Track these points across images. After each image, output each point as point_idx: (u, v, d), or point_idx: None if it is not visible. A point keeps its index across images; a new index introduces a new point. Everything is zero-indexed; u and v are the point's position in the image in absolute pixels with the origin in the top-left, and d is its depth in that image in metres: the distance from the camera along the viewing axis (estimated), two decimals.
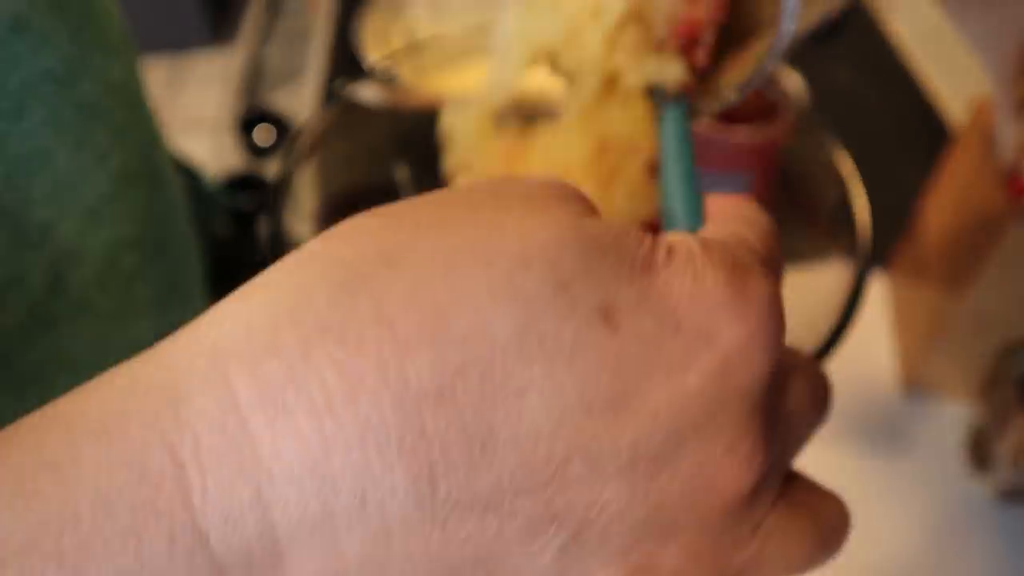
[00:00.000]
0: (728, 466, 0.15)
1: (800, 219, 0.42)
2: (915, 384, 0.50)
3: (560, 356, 0.13)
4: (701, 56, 0.20)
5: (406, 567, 0.14)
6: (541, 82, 0.53)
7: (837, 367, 0.30)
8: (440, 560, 0.14)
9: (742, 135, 0.45)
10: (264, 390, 0.13)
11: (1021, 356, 0.45)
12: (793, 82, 0.50)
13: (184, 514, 0.13)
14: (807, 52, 0.77)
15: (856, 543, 0.45)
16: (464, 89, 0.50)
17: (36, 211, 0.34)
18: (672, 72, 0.22)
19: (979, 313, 0.44)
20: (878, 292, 0.55)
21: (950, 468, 0.47)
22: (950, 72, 0.72)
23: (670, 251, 0.15)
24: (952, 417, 0.49)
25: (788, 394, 0.17)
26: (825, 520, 0.19)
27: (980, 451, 0.46)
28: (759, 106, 0.44)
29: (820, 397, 0.18)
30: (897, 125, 0.70)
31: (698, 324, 0.14)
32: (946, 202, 0.48)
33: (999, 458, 0.44)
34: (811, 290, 0.39)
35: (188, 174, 0.54)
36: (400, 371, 0.13)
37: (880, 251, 0.52)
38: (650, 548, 0.15)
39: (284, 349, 0.13)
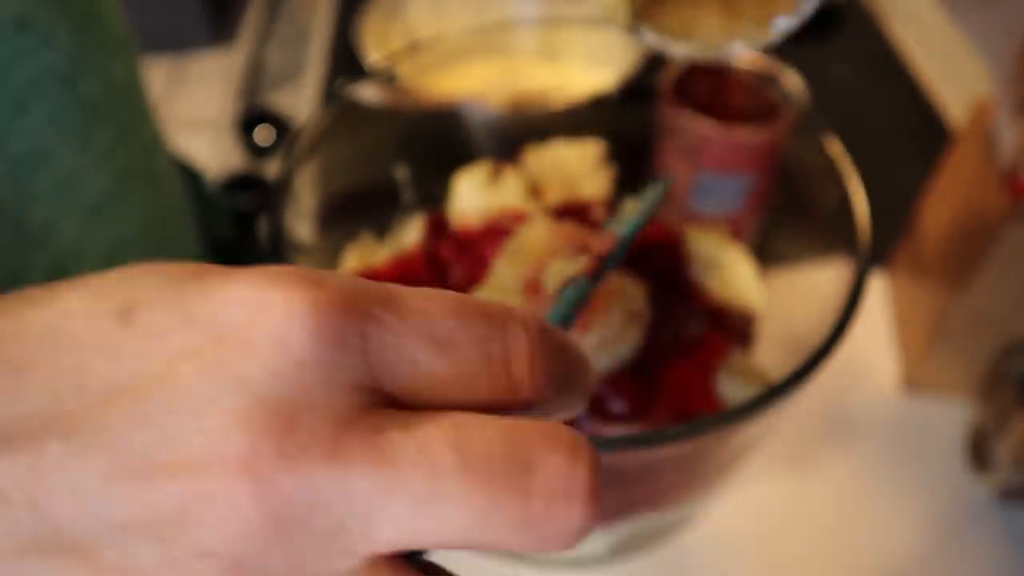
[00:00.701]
0: (228, 469, 0.13)
1: (800, 219, 0.42)
2: (915, 383, 0.50)
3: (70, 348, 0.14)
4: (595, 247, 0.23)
5: None
6: (542, 77, 0.53)
7: (836, 366, 0.31)
8: None
9: (742, 135, 0.45)
10: None
11: (1021, 356, 0.45)
12: (793, 82, 0.50)
13: None
14: (807, 52, 0.77)
15: (856, 542, 0.46)
16: (464, 89, 0.50)
17: (38, 209, 0.34)
18: (571, 269, 0.26)
19: (979, 312, 0.44)
20: (878, 291, 0.56)
21: (950, 468, 0.47)
22: (950, 72, 0.72)
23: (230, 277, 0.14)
24: (952, 417, 0.49)
25: (372, 347, 0.14)
26: None
27: (980, 451, 0.46)
28: (759, 106, 0.44)
29: (445, 316, 0.15)
30: (897, 125, 0.70)
31: (204, 306, 0.14)
32: (946, 202, 0.48)
33: (999, 458, 0.44)
34: (811, 290, 0.39)
35: (188, 175, 0.54)
36: None
37: (880, 251, 0.52)
38: (149, 557, 0.13)
39: None
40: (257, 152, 0.69)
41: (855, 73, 0.76)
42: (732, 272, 0.42)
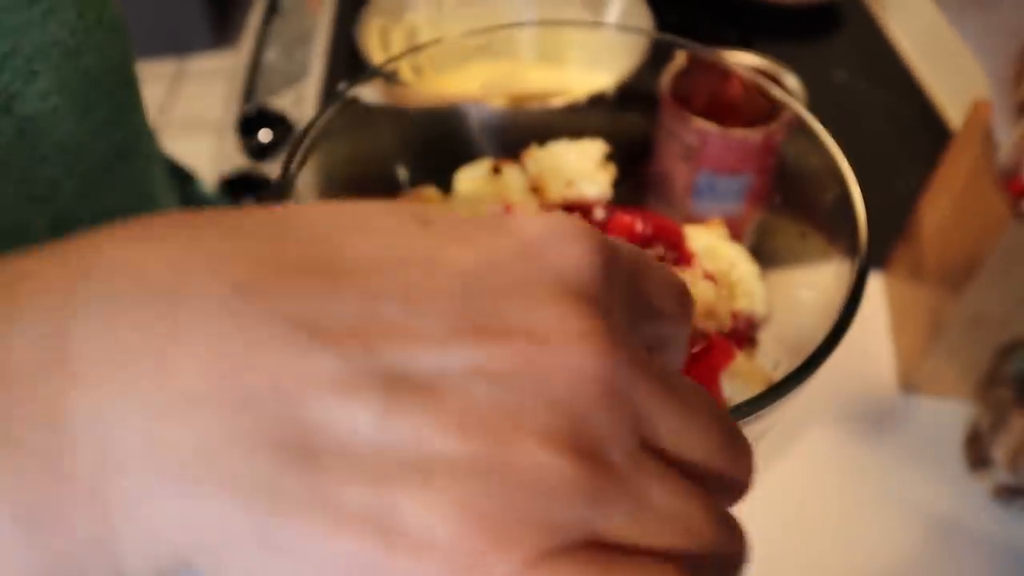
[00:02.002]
0: (564, 339, 0.14)
1: (799, 219, 0.42)
2: (913, 384, 0.50)
3: (382, 234, 0.15)
4: None
5: None
6: (542, 79, 0.53)
7: (836, 366, 0.31)
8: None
9: (741, 136, 0.45)
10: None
11: (1019, 356, 0.45)
12: (792, 82, 0.51)
13: None
14: (806, 52, 0.77)
15: (854, 542, 0.46)
16: (465, 90, 0.50)
17: (45, 168, 0.37)
18: None
19: (977, 313, 0.44)
20: (876, 292, 0.56)
21: (948, 467, 0.47)
22: (949, 72, 0.72)
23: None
24: (950, 417, 0.49)
25: (631, 290, 0.16)
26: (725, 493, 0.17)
27: (978, 450, 0.46)
28: (758, 107, 0.44)
29: (674, 293, 0.18)
30: (896, 125, 0.70)
31: (501, 224, 0.16)
32: (944, 202, 0.48)
33: (997, 457, 0.44)
34: (810, 290, 0.39)
35: (181, 177, 0.54)
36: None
37: (878, 251, 0.52)
38: (505, 425, 0.14)
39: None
40: (258, 153, 0.69)
41: (854, 73, 0.76)
42: (733, 272, 0.43)
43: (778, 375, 0.39)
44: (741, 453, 0.17)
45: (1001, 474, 0.44)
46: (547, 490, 0.13)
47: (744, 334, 0.41)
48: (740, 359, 0.38)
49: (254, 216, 0.15)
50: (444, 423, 0.13)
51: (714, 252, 0.43)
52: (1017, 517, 0.45)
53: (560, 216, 0.16)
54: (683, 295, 0.18)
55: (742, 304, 0.42)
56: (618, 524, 0.14)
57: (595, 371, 0.14)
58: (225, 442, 0.13)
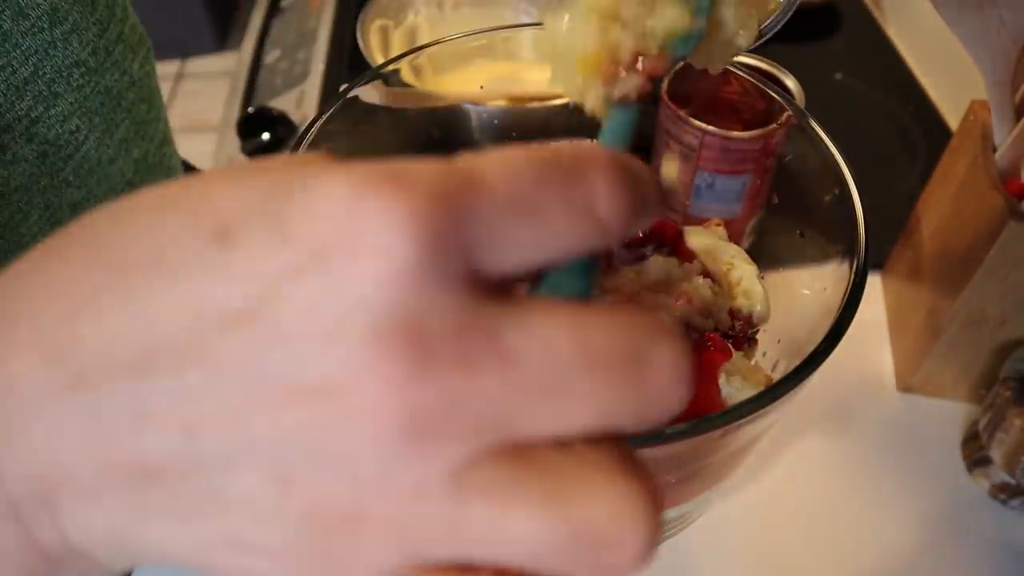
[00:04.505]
0: (366, 384, 0.13)
1: (798, 219, 0.42)
2: (911, 384, 0.50)
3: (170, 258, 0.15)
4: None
5: None
6: (542, 79, 0.53)
7: (834, 367, 0.31)
8: None
9: (740, 136, 0.46)
10: None
11: (1016, 356, 0.45)
12: (791, 83, 0.51)
13: None
14: (806, 52, 0.77)
15: (853, 542, 0.46)
16: (465, 91, 0.50)
17: (68, 191, 0.37)
18: (622, 89, 0.23)
19: (975, 313, 0.45)
20: (875, 292, 0.56)
21: (947, 468, 0.47)
22: (947, 73, 0.72)
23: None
24: (949, 417, 0.49)
25: (495, 230, 0.14)
26: (595, 506, 0.14)
27: (976, 450, 0.46)
28: (757, 107, 0.45)
29: (577, 209, 0.15)
30: (895, 126, 0.71)
31: (293, 226, 0.14)
32: (942, 203, 0.48)
33: (995, 457, 0.44)
34: (809, 290, 0.39)
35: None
36: None
37: (877, 251, 0.52)
38: (304, 473, 0.14)
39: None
40: (259, 153, 0.70)
41: (853, 74, 0.76)
42: (732, 272, 0.43)
43: (777, 375, 0.39)
44: (644, 389, 0.14)
45: (999, 474, 0.44)
46: (354, 536, 0.14)
47: (743, 334, 0.42)
48: (739, 359, 0.38)
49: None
50: (261, 496, 0.14)
51: (713, 252, 0.43)
52: (1015, 516, 0.45)
53: (363, 199, 0.14)
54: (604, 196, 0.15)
55: (741, 304, 0.42)
56: (436, 550, 0.14)
57: (394, 416, 0.13)
58: None
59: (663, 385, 0.15)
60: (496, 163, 0.15)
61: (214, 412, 0.14)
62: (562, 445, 0.14)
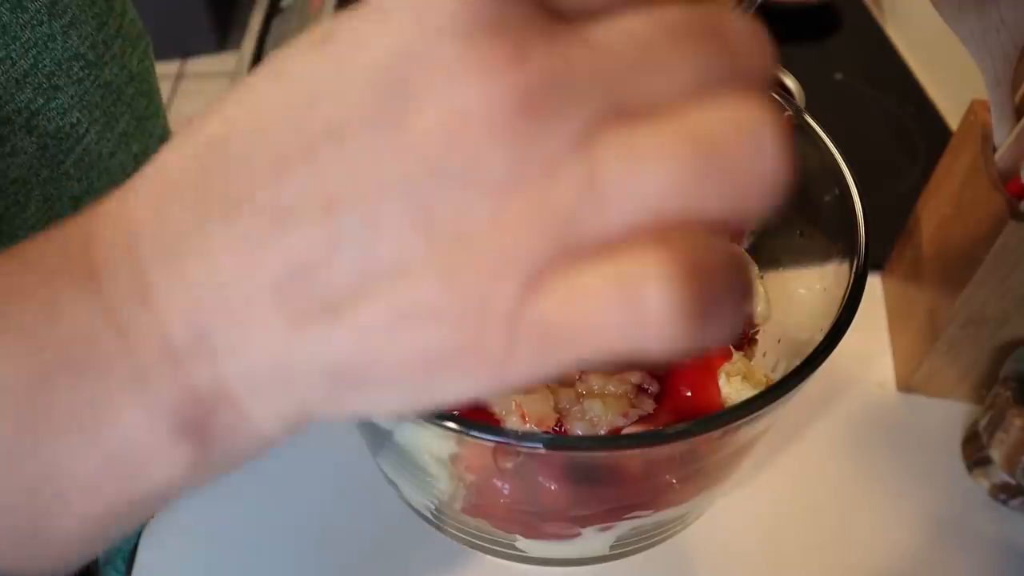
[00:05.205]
0: (473, 83, 0.14)
1: (798, 219, 0.42)
2: (912, 384, 0.50)
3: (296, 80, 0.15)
4: None
5: None
6: None
7: (834, 367, 0.31)
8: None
9: None
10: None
11: (1016, 356, 0.45)
12: (791, 83, 0.51)
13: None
14: (805, 52, 0.77)
15: (853, 541, 0.46)
16: None
17: (67, 184, 0.37)
18: None
19: (975, 313, 0.45)
20: (875, 292, 0.56)
21: (947, 468, 0.47)
22: (948, 73, 0.72)
23: None
24: (949, 417, 0.49)
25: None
26: (721, 137, 0.14)
27: (976, 450, 0.46)
28: None
29: None
30: (895, 126, 0.71)
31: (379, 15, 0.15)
32: (942, 203, 0.48)
33: (995, 457, 0.44)
34: (809, 290, 0.39)
35: None
36: None
37: (877, 251, 0.52)
38: (441, 199, 0.14)
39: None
40: None
41: (853, 74, 0.76)
42: None
43: (777, 375, 0.39)
44: (726, 43, 0.15)
45: (999, 474, 0.44)
46: (502, 235, 0.14)
47: (743, 334, 0.42)
48: (739, 359, 0.38)
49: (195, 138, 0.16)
50: (405, 228, 0.14)
51: None
52: (1015, 516, 0.45)
53: None
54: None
55: None
56: (585, 228, 0.14)
57: (510, 91, 0.14)
58: None
59: (746, 40, 0.15)
60: None
61: (346, 175, 0.14)
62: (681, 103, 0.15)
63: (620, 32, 0.15)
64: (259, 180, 0.15)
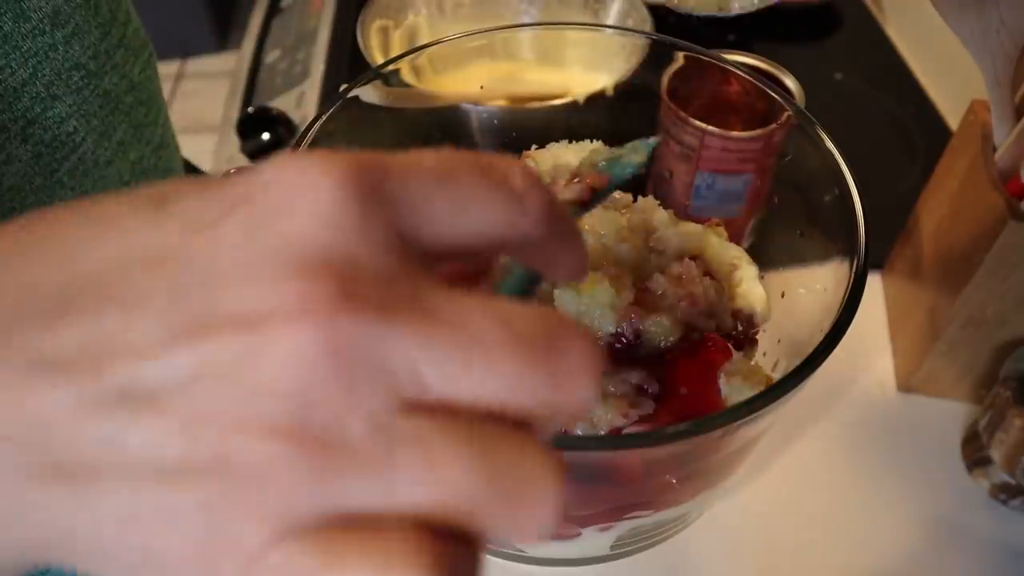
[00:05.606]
0: (281, 318, 0.13)
1: (798, 219, 0.42)
2: (911, 384, 0.50)
3: (115, 232, 0.15)
4: None
5: None
6: (542, 79, 0.53)
7: (834, 367, 0.31)
8: None
9: (740, 136, 0.46)
10: None
11: (1016, 356, 0.45)
12: (791, 83, 0.51)
13: None
14: (806, 52, 0.77)
15: (853, 541, 0.46)
16: (465, 91, 0.50)
17: (62, 192, 0.37)
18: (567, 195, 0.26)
19: (974, 313, 0.45)
20: (875, 292, 0.56)
21: (947, 467, 0.47)
22: (948, 73, 0.72)
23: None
24: (949, 417, 0.49)
25: (410, 206, 0.15)
26: (512, 460, 0.14)
27: (977, 451, 0.46)
28: (757, 107, 0.45)
29: (495, 190, 0.17)
30: (895, 126, 0.71)
31: (236, 192, 0.15)
32: (942, 203, 0.48)
33: (995, 457, 0.44)
34: (809, 290, 0.39)
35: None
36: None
37: (877, 251, 0.52)
38: (217, 411, 0.14)
39: None
40: (259, 154, 0.70)
41: (853, 74, 0.76)
42: (733, 272, 0.43)
43: (777, 375, 0.39)
44: (554, 372, 0.15)
45: (999, 474, 0.44)
46: (267, 480, 0.13)
47: (744, 334, 0.42)
48: (739, 359, 0.38)
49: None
50: (169, 433, 0.13)
51: (714, 252, 0.43)
52: (1015, 516, 0.45)
53: (293, 163, 0.15)
54: (508, 184, 0.17)
55: (742, 304, 0.42)
56: (361, 496, 0.14)
57: (314, 346, 0.13)
58: None
59: (573, 372, 0.15)
60: (425, 152, 0.16)
61: (124, 349, 0.14)
62: (485, 414, 0.15)
63: (459, 312, 0.15)
64: (33, 322, 0.14)
